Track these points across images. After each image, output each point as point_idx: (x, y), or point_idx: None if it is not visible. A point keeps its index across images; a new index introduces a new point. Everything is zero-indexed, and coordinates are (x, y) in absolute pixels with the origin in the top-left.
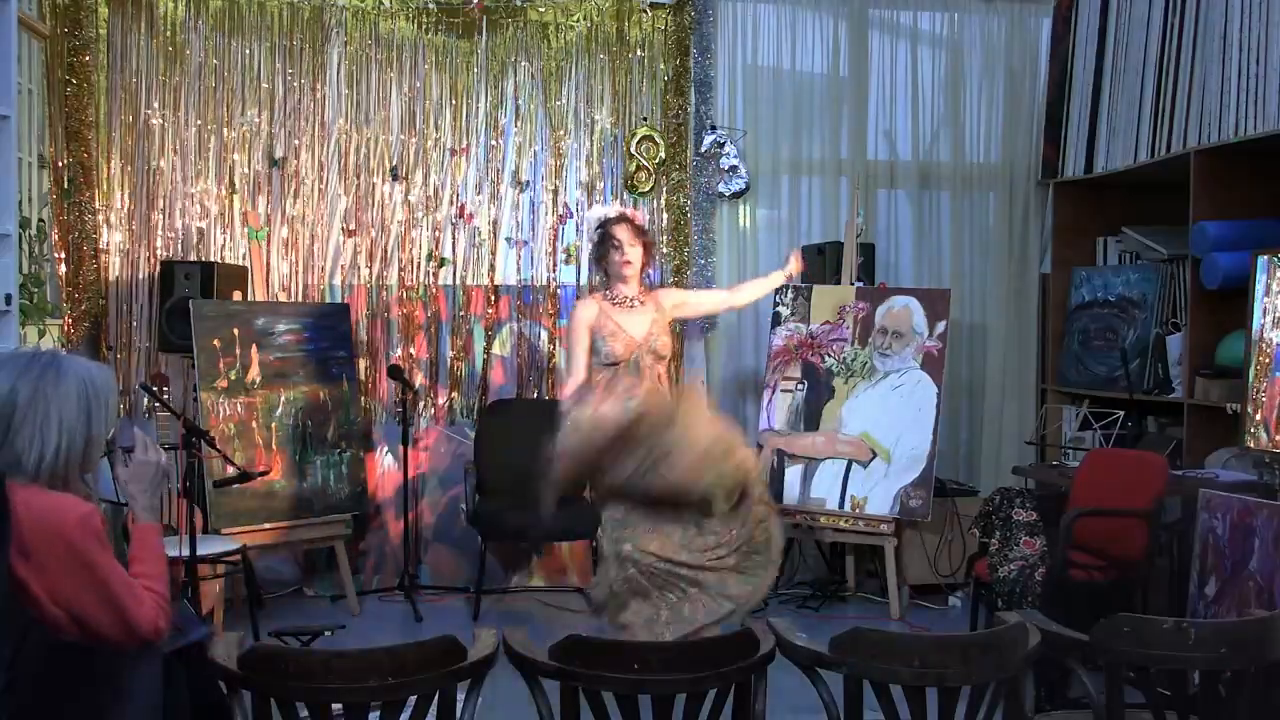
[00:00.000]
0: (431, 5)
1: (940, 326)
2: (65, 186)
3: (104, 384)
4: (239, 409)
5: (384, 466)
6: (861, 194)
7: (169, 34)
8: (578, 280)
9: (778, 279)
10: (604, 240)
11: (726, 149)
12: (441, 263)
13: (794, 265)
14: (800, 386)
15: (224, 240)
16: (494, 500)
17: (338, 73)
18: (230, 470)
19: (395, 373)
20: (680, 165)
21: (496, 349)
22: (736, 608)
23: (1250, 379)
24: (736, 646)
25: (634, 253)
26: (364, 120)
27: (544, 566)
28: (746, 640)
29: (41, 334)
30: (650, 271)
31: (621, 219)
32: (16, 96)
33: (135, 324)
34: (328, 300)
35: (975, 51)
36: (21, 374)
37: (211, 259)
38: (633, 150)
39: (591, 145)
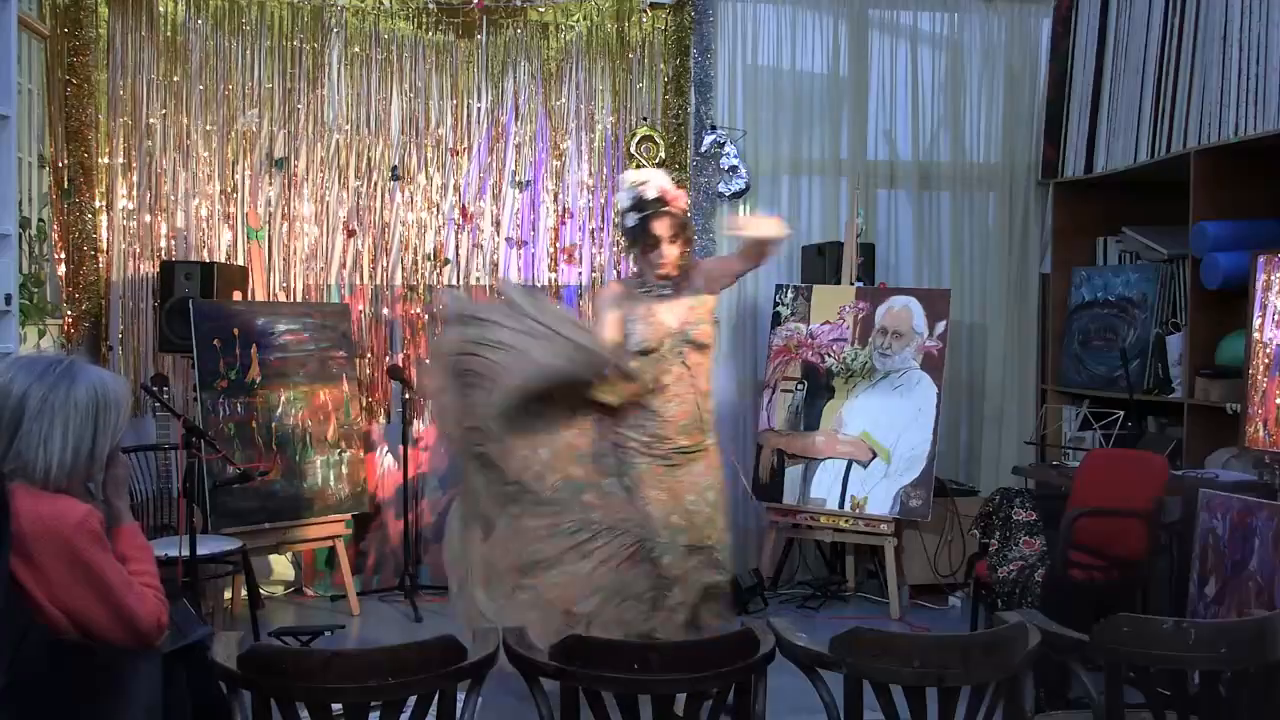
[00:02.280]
0: (431, 5)
1: (940, 326)
2: (65, 186)
3: (116, 396)
4: (239, 409)
5: (384, 466)
6: (861, 194)
7: (169, 34)
8: (579, 280)
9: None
10: (642, 230)
11: (726, 149)
12: (445, 262)
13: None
14: (800, 386)
15: (224, 240)
16: None
17: (338, 73)
18: (230, 470)
19: (395, 373)
20: (680, 165)
21: None
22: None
23: (1250, 379)
24: (736, 646)
25: (673, 251)
26: (364, 120)
27: None
28: (746, 640)
29: (41, 334)
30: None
31: (662, 210)
32: (16, 96)
33: (135, 324)
34: (328, 300)
35: (975, 51)
36: (36, 380)
37: (211, 259)
38: (633, 150)
39: (591, 145)
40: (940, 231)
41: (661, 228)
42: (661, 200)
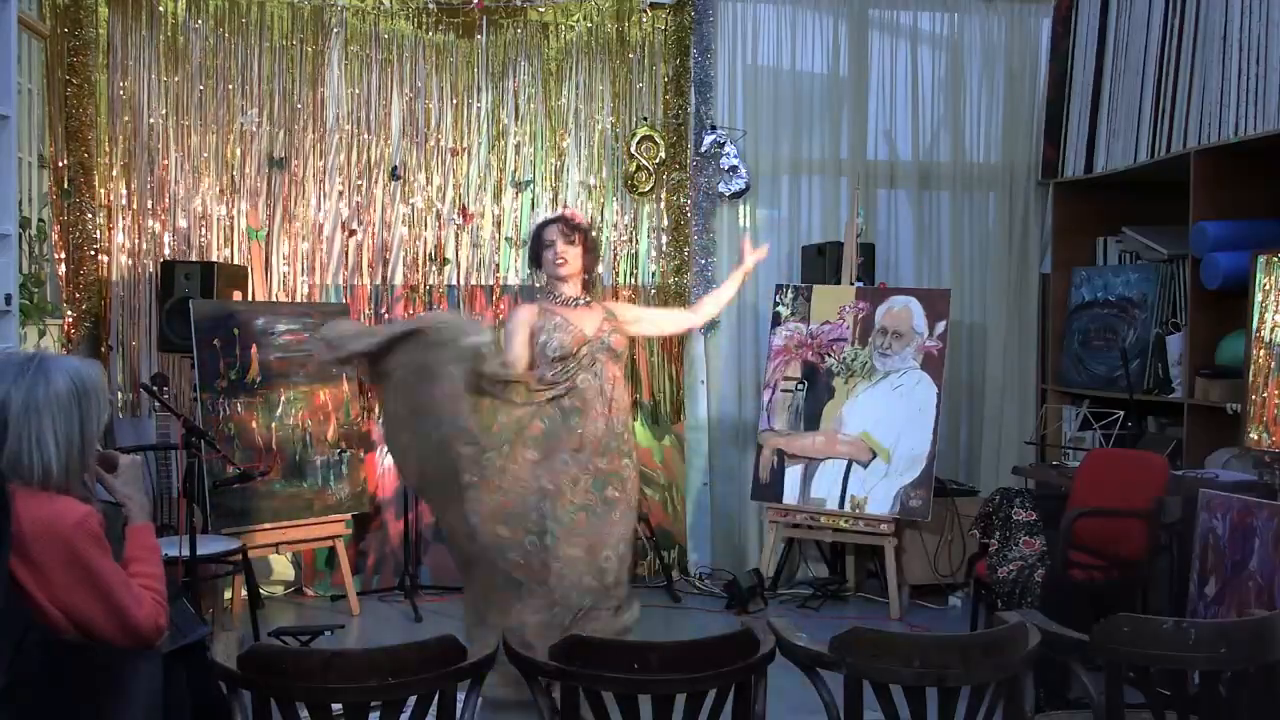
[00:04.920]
0: (431, 5)
1: (940, 326)
2: (65, 186)
3: (93, 382)
4: (239, 409)
5: (384, 466)
6: (861, 194)
7: (169, 34)
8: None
9: (737, 279)
10: (536, 240)
11: (726, 149)
12: (445, 262)
13: (750, 257)
14: (800, 386)
15: (224, 240)
16: None
17: (338, 73)
18: (230, 470)
19: None
20: (680, 165)
21: (497, 349)
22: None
23: (1250, 379)
24: (736, 646)
25: (569, 252)
26: (364, 120)
27: None
28: (746, 640)
29: (42, 334)
30: (597, 273)
31: (557, 219)
32: (16, 96)
33: (135, 324)
34: (328, 300)
35: (975, 51)
36: (12, 384)
37: (211, 259)
38: (633, 150)
39: (592, 145)
40: (940, 231)
41: (553, 232)
42: (560, 216)
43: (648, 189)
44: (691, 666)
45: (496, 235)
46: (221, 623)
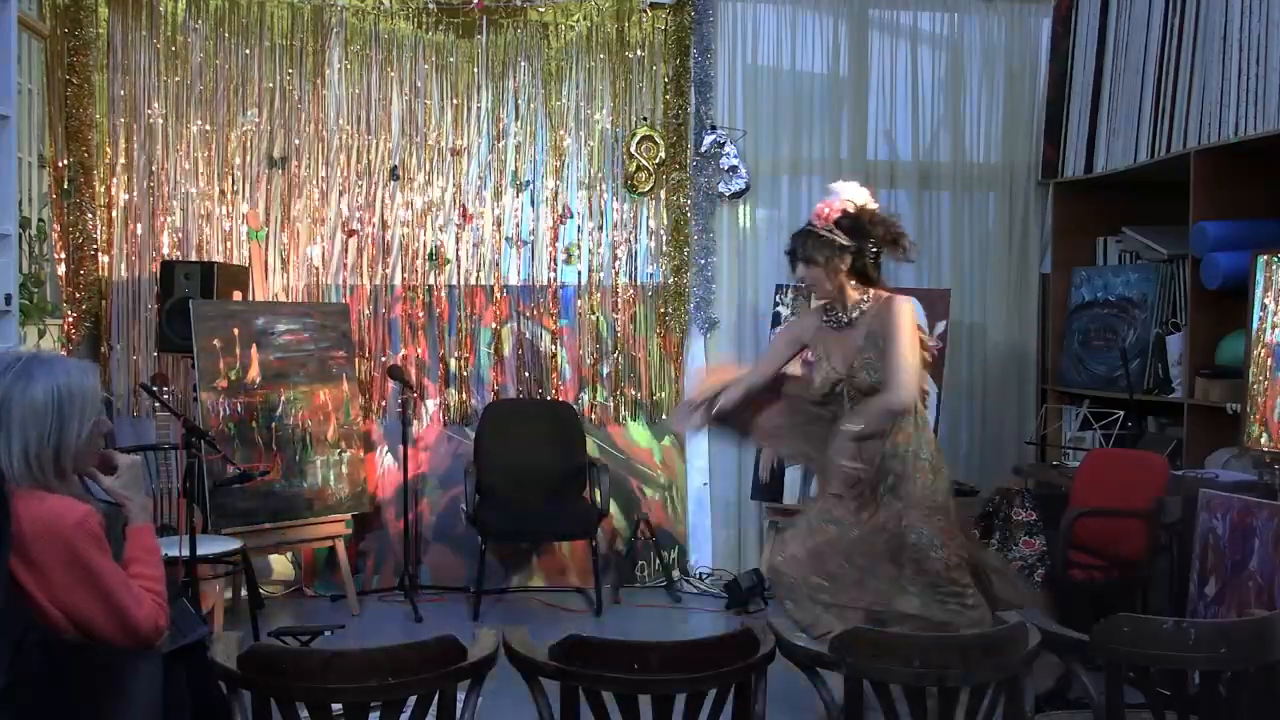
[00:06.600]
0: (431, 5)
1: (940, 326)
2: (65, 186)
3: (80, 387)
4: (239, 409)
5: (384, 466)
6: None
7: (169, 34)
8: (579, 280)
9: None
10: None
11: (726, 149)
12: (446, 262)
13: None
14: None
15: (224, 240)
16: (494, 500)
17: (338, 73)
18: (230, 470)
19: (395, 373)
20: (680, 165)
21: (497, 349)
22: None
23: (1250, 379)
24: (736, 646)
25: (809, 275)
26: (364, 120)
27: (544, 566)
28: (746, 640)
29: (42, 334)
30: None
31: (788, 246)
32: (16, 96)
33: (135, 324)
34: (328, 300)
35: (975, 51)
36: None
37: (211, 259)
38: (633, 150)
39: (591, 145)
40: (940, 231)
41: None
42: (791, 239)
43: (648, 189)
44: (691, 666)
45: (497, 235)
46: (221, 623)
